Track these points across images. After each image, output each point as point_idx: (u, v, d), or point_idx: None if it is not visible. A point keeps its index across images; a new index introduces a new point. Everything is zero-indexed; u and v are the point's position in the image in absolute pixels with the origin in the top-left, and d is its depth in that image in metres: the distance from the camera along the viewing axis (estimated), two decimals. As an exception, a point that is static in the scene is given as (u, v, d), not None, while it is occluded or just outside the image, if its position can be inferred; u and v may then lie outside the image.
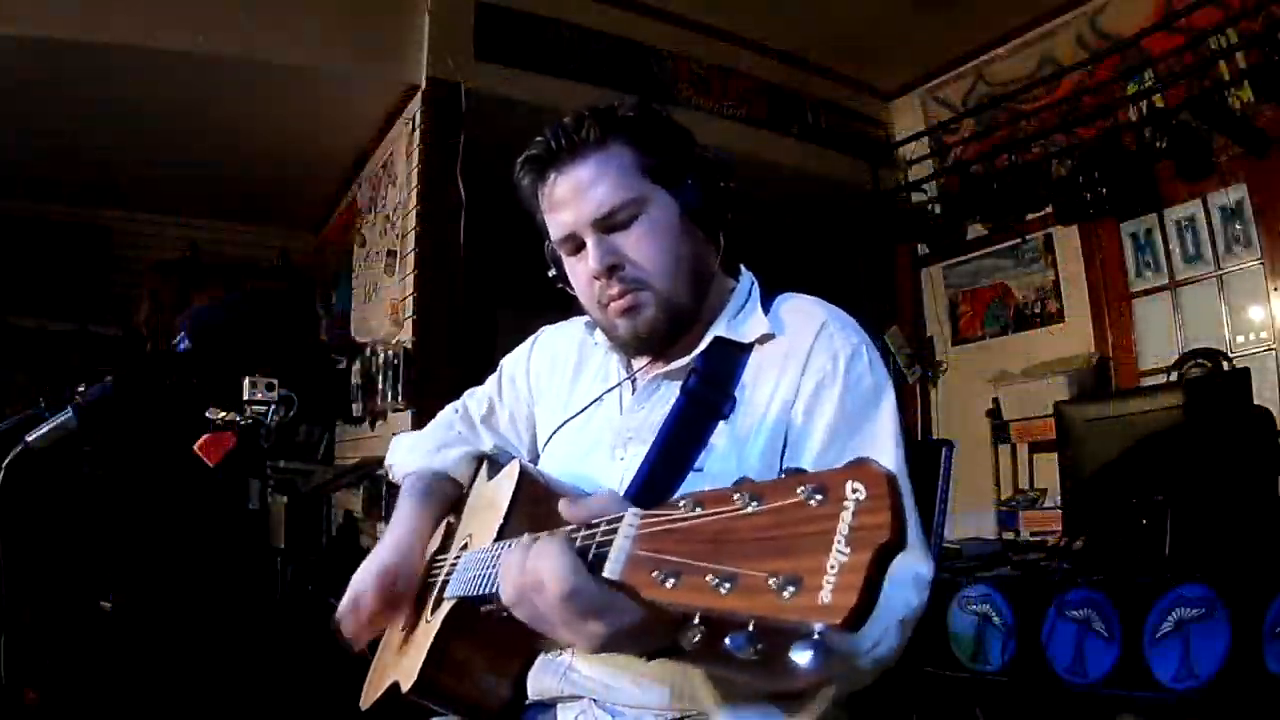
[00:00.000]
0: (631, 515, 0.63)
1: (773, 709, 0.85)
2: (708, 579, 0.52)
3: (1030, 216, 3.93)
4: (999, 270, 4.20)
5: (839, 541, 0.46)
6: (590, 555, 0.66)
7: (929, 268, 4.51)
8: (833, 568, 0.46)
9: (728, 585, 0.51)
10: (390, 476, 1.39)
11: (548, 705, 1.03)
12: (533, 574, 0.69)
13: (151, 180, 4.35)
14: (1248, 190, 3.27)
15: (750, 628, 0.52)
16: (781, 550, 0.49)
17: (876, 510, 0.46)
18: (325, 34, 3.20)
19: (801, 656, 0.48)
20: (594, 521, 0.68)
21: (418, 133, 3.32)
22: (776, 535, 0.50)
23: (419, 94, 3.32)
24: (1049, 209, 3.76)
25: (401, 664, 1.01)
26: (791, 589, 0.47)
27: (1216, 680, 1.72)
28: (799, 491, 0.50)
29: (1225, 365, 3.14)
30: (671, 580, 0.56)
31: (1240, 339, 3.30)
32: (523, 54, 3.45)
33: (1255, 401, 2.30)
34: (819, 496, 0.49)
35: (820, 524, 0.48)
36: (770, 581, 0.48)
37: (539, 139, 1.05)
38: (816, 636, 0.47)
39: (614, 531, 0.64)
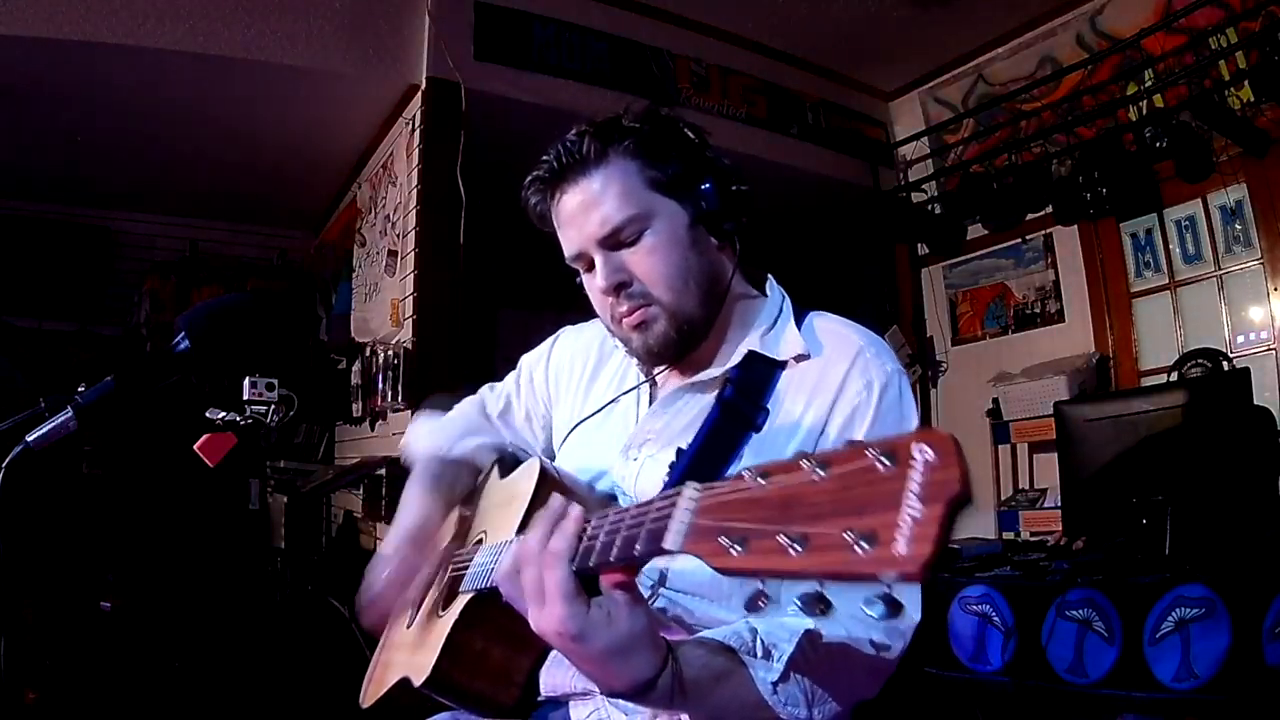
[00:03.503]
0: (690, 488, 0.64)
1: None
2: (779, 540, 0.54)
3: (1030, 216, 3.93)
4: (999, 270, 4.20)
5: (910, 497, 0.48)
6: (645, 529, 0.66)
7: (929, 268, 4.51)
8: (906, 521, 0.48)
9: (799, 547, 0.53)
10: (403, 460, 1.37)
11: (560, 702, 1.03)
12: (528, 545, 0.74)
13: (151, 180, 4.35)
14: (1248, 190, 3.27)
15: (818, 587, 0.54)
16: (853, 510, 0.51)
17: (946, 467, 0.48)
18: (325, 34, 3.19)
19: (873, 610, 0.51)
20: (647, 500, 0.69)
21: (418, 133, 3.31)
22: (847, 498, 0.52)
23: (419, 94, 3.32)
24: (1049, 209, 3.75)
25: (413, 659, 1.02)
26: (865, 544, 0.49)
27: (1216, 680, 1.72)
28: (867, 455, 0.52)
29: (1225, 365, 3.14)
30: (738, 548, 0.57)
31: (1240, 339, 3.30)
32: (523, 54, 3.45)
33: (1255, 401, 2.30)
34: (887, 460, 0.51)
35: (891, 484, 0.50)
36: (845, 536, 0.50)
37: (544, 158, 1.05)
38: (887, 590, 0.50)
39: (672, 505, 0.64)
